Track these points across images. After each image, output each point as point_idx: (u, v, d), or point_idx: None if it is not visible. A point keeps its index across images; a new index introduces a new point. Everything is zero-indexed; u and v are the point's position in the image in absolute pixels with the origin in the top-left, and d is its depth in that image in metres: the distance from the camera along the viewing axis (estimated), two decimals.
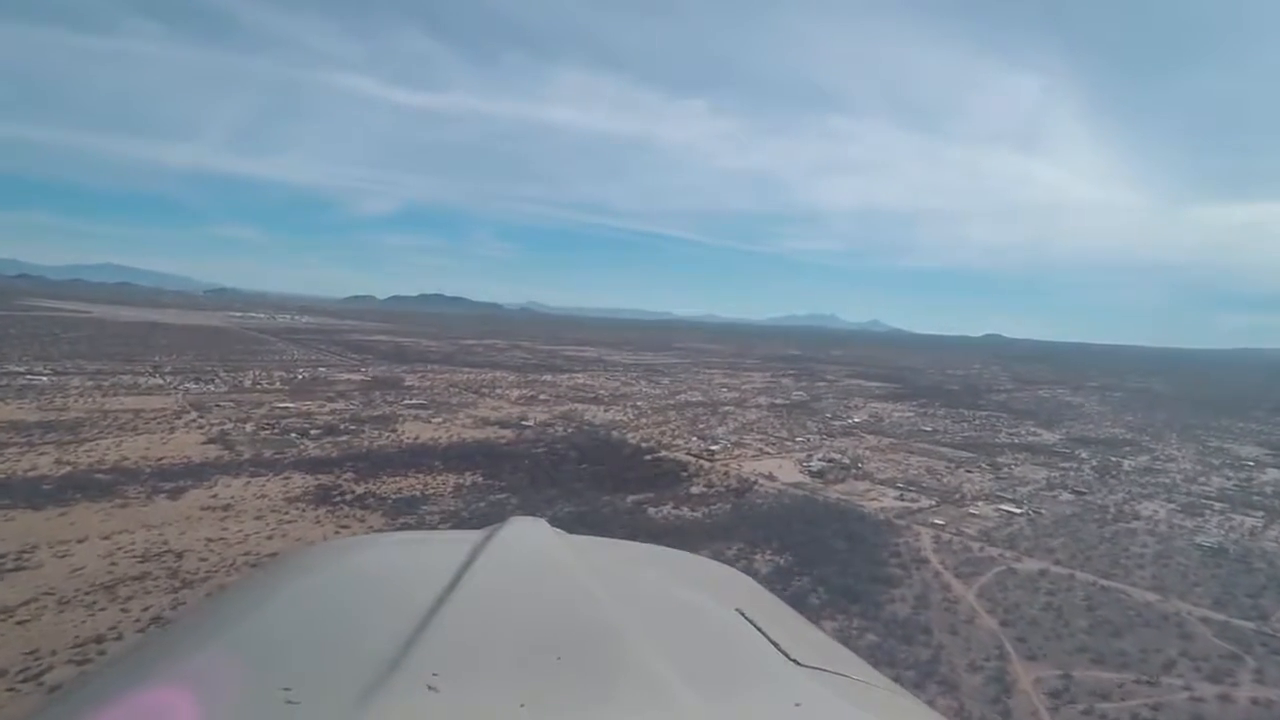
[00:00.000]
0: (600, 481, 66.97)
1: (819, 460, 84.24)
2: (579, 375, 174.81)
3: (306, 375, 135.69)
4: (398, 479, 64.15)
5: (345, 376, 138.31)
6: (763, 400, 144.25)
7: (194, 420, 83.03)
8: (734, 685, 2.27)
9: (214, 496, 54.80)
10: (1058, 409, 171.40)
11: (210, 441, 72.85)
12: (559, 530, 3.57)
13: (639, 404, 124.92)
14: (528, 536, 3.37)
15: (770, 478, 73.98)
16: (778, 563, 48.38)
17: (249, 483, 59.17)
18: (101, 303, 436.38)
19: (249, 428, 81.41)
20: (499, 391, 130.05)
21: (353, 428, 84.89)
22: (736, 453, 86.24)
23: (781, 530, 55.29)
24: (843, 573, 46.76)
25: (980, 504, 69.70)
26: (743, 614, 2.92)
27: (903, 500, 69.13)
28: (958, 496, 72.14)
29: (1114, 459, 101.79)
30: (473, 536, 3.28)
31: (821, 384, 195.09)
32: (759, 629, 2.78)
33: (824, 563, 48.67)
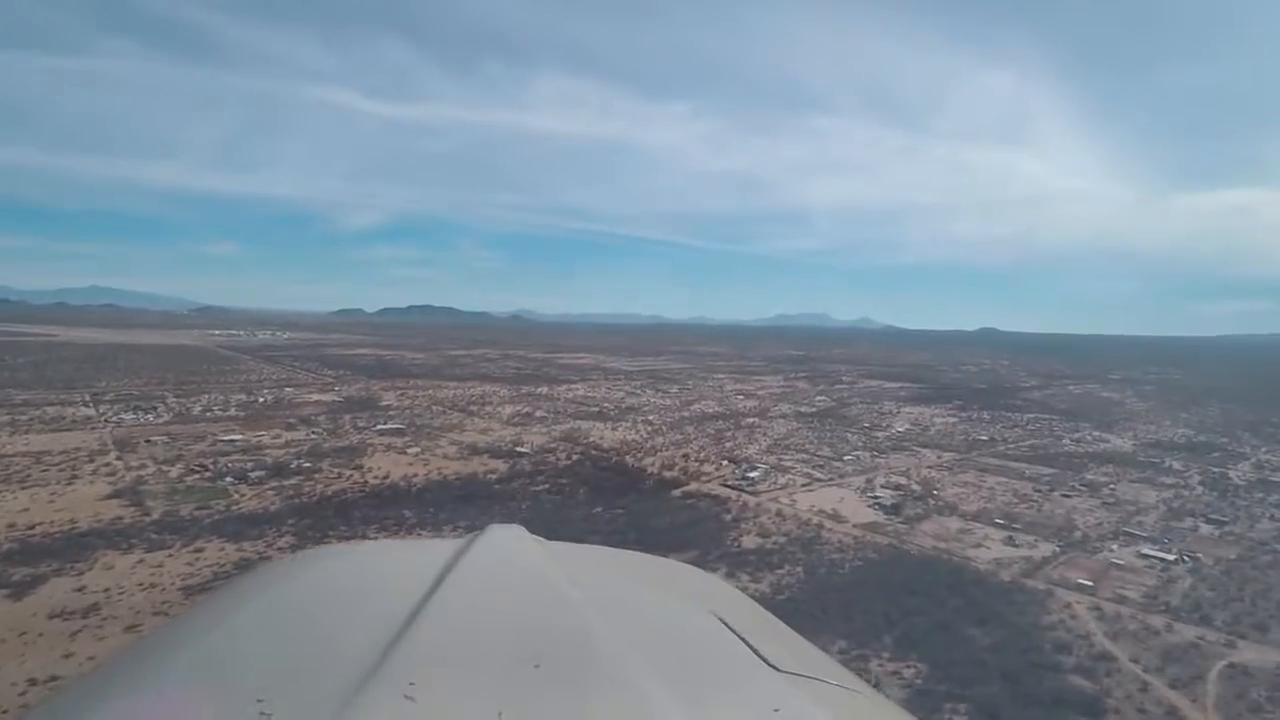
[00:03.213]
0: (622, 532, 51.12)
1: (885, 489, 68.43)
2: (577, 386, 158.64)
3: (269, 398, 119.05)
4: (353, 541, 48.01)
5: (314, 397, 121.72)
6: (786, 408, 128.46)
7: (108, 464, 66.40)
8: (712, 691, 2.23)
9: (80, 590, 38.44)
10: (1102, 408, 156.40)
11: (115, 495, 56.38)
12: (538, 538, 3.53)
13: (650, 418, 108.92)
14: (506, 544, 3.34)
15: (835, 517, 58.13)
16: (908, 676, 32.46)
17: (142, 560, 42.84)
18: (78, 325, 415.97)
19: (174, 471, 64.92)
20: (489, 409, 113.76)
21: (307, 465, 68.50)
22: (782, 481, 70.30)
23: (886, 611, 39.38)
24: (1013, 691, 30.91)
25: (1114, 547, 54.05)
26: (721, 619, 2.87)
27: (1015, 545, 53.38)
28: (1079, 536, 56.46)
29: (1214, 470, 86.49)
30: (451, 545, 3.22)
31: (840, 386, 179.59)
32: (737, 634, 2.73)
33: (973, 671, 32.81)
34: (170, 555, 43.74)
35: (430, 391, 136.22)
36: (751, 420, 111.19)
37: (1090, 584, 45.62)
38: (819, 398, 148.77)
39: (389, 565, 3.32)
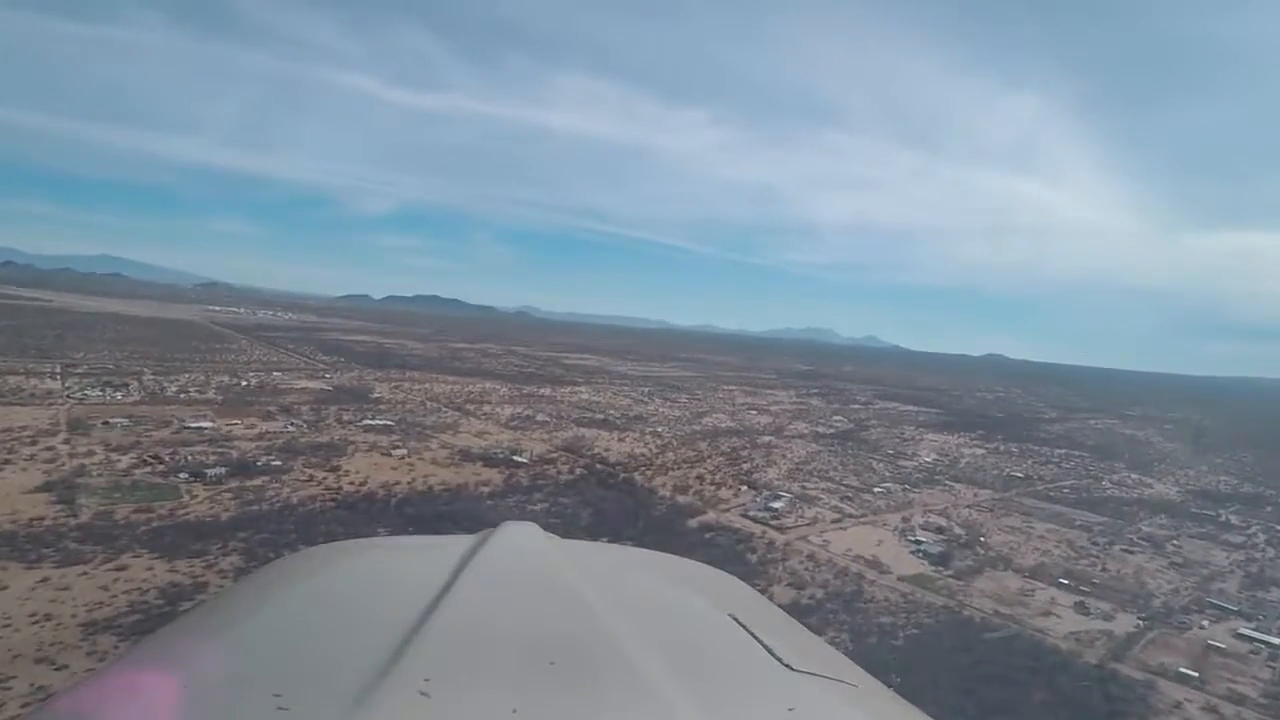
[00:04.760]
0: None
1: (925, 531, 60.61)
2: (582, 389, 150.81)
3: (254, 381, 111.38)
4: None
5: (302, 384, 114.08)
6: (803, 428, 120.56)
7: (51, 448, 58.81)
8: (727, 690, 2.22)
9: None
10: (1131, 447, 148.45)
11: (46, 488, 48.66)
12: (552, 535, 3.51)
13: (659, 430, 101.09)
14: (521, 541, 3.33)
15: (876, 565, 50.30)
16: None
17: (47, 580, 35.08)
18: (79, 292, 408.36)
19: (124, 461, 57.29)
20: (487, 409, 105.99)
21: (277, 463, 60.82)
22: (809, 514, 62.45)
23: (959, 702, 31.55)
24: None
25: (1204, 623, 46.14)
26: (736, 619, 2.84)
27: (1089, 615, 45.50)
28: (1159, 605, 48.62)
29: (1277, 527, 78.55)
30: (466, 541, 3.23)
31: (855, 407, 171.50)
32: (752, 634, 2.70)
33: None
34: (84, 574, 35.99)
35: (427, 385, 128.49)
36: (768, 439, 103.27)
37: (1195, 674, 37.80)
38: (835, 418, 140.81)
39: (405, 561, 3.27)
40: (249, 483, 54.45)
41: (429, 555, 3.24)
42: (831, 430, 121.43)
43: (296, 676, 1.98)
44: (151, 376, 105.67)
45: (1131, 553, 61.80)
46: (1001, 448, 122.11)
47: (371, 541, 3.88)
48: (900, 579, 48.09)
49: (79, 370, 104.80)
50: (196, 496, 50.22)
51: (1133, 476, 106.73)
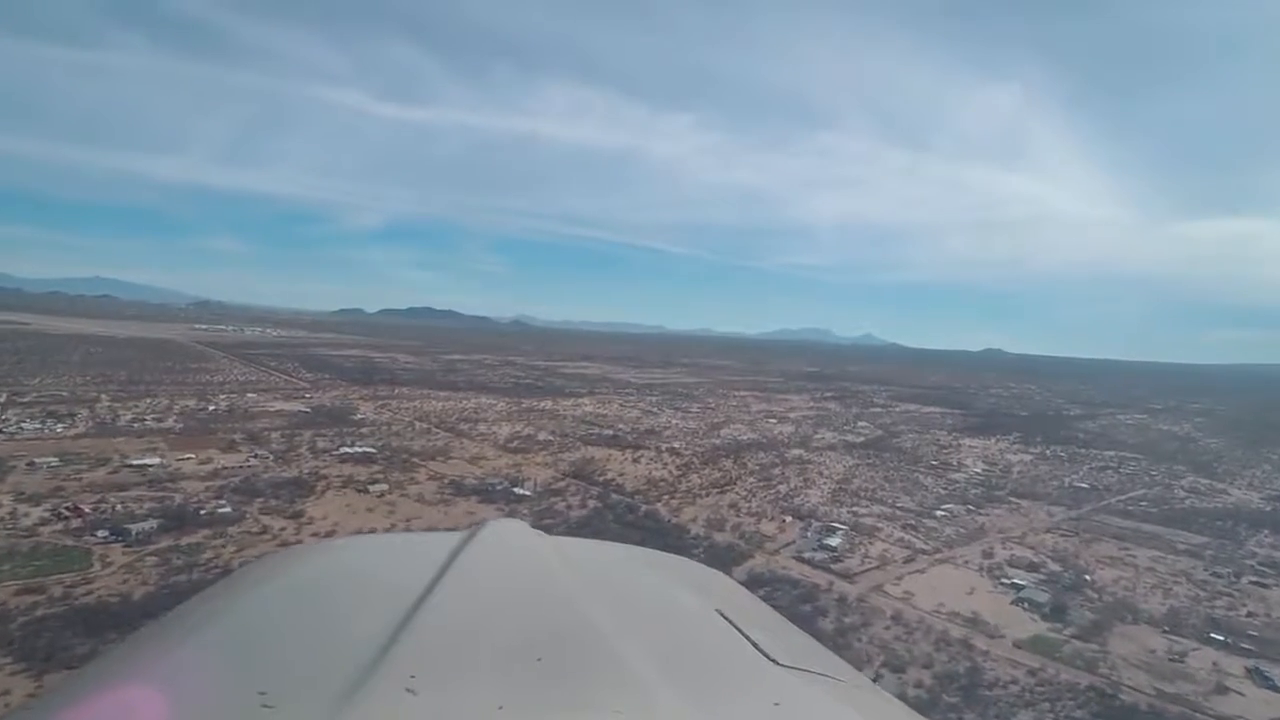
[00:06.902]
0: None
1: (1015, 568, 49.89)
2: (585, 400, 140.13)
3: (224, 405, 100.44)
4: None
5: (278, 406, 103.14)
6: (830, 437, 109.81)
7: None
8: (713, 685, 2.23)
9: None
10: (1178, 445, 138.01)
11: None
12: (539, 531, 3.51)
13: (676, 446, 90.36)
14: (508, 537, 3.35)
15: (979, 625, 39.51)
16: None
17: None
18: (63, 315, 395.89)
19: (34, 515, 46.35)
20: (482, 429, 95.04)
21: (226, 510, 49.98)
22: (874, 552, 51.60)
23: None
24: None
25: None
26: (723, 614, 2.86)
27: (1272, 688, 34.86)
28: None
29: None
30: (453, 538, 3.19)
31: (876, 410, 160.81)
32: (739, 629, 2.72)
33: None
34: None
35: (416, 403, 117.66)
36: (797, 452, 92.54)
37: None
38: (860, 424, 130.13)
39: (391, 558, 3.26)
40: (184, 540, 43.61)
41: (415, 552, 3.20)
42: (861, 439, 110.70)
43: (281, 674, 1.97)
44: (107, 403, 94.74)
45: (1265, 586, 51.16)
46: (1047, 452, 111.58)
47: (357, 539, 3.76)
48: (1017, 645, 37.37)
49: (25, 399, 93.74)
50: (111, 564, 39.35)
51: (1202, 482, 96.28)
